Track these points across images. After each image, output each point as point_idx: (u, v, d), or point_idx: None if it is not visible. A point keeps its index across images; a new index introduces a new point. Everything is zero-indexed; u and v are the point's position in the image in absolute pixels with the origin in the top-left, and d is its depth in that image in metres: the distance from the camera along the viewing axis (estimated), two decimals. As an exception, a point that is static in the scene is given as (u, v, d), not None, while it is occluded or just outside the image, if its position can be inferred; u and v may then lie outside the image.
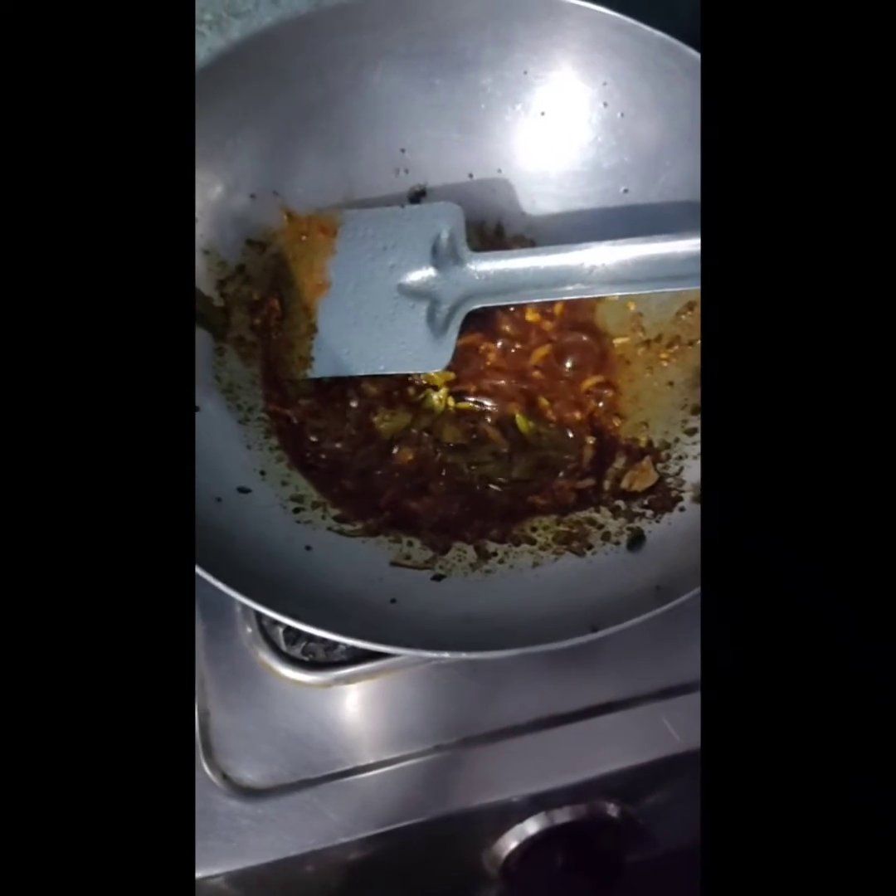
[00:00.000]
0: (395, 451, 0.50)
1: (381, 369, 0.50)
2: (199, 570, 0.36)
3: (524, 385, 0.52)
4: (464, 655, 0.36)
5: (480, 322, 0.53)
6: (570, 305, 0.54)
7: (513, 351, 0.53)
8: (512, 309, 0.54)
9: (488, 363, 0.53)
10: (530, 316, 0.54)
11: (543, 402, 0.52)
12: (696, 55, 0.50)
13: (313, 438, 0.51)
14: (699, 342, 0.52)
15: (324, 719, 0.48)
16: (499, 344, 0.53)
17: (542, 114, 0.55)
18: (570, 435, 0.50)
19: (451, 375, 0.52)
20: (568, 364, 0.53)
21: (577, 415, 0.51)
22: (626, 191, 0.54)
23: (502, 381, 0.52)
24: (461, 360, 0.53)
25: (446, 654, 0.35)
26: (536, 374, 0.53)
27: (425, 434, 0.51)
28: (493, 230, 0.57)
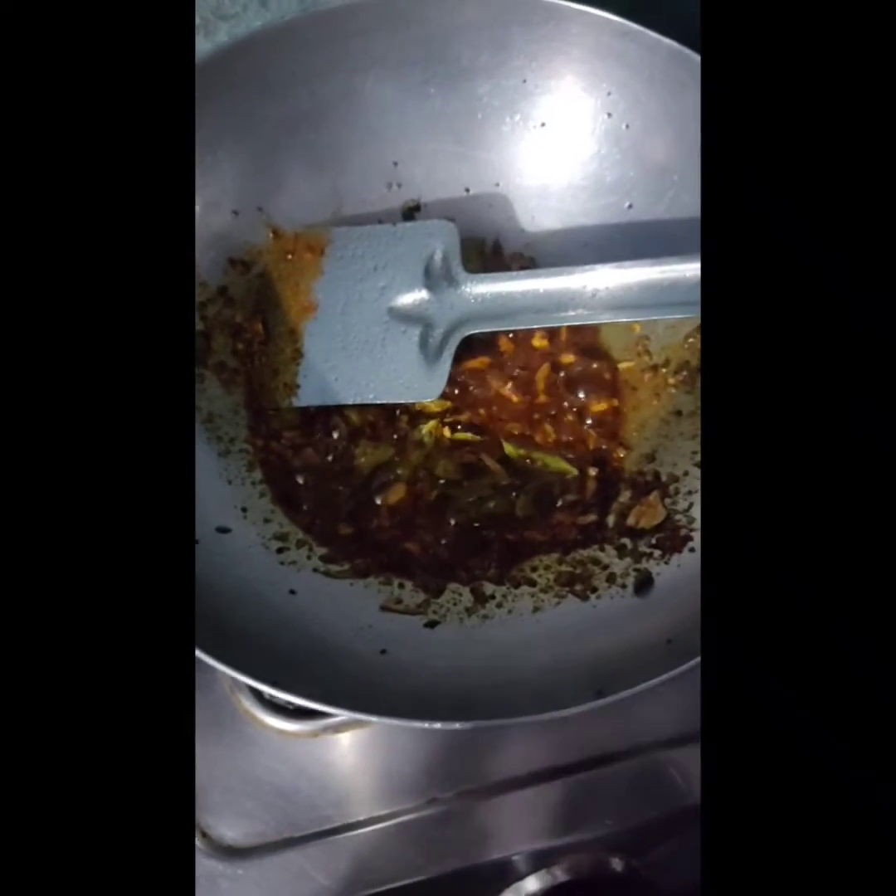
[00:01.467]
0: (383, 487, 0.47)
1: (370, 398, 0.47)
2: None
3: (530, 413, 0.49)
4: (457, 726, 0.33)
5: (484, 347, 0.51)
6: (574, 328, 0.51)
7: (518, 377, 0.50)
8: (515, 335, 0.51)
9: (492, 390, 0.50)
10: (537, 342, 0.51)
11: (547, 428, 0.49)
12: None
13: (299, 477, 0.48)
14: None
15: (311, 772, 0.46)
16: (504, 370, 0.50)
17: (543, 125, 0.52)
18: (573, 466, 0.47)
19: (448, 404, 0.49)
20: (579, 393, 0.50)
21: (583, 445, 0.48)
22: (630, 206, 0.51)
23: (505, 410, 0.49)
24: (463, 386, 0.50)
25: (438, 725, 0.32)
26: (542, 399, 0.50)
27: (418, 468, 0.48)
28: (490, 247, 0.54)
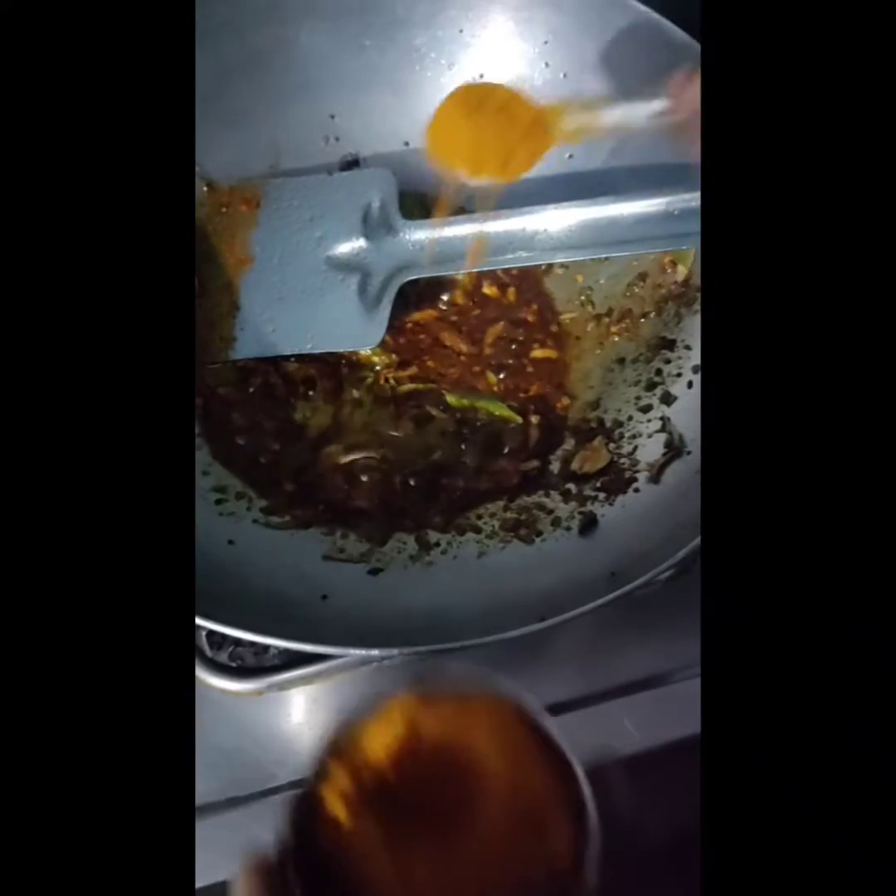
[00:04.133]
0: (327, 451, 0.46)
1: (308, 348, 0.46)
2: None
3: (475, 363, 0.49)
4: (396, 651, 0.32)
5: (432, 297, 0.50)
6: (520, 276, 0.51)
7: (465, 328, 0.50)
8: (465, 280, 0.50)
9: (439, 340, 0.49)
10: (487, 289, 0.51)
11: (491, 378, 0.48)
12: (643, 8, 0.47)
13: (238, 435, 0.46)
14: (652, 315, 0.49)
15: (255, 731, 0.44)
16: (453, 321, 0.50)
17: (481, 76, 0.51)
18: (516, 414, 0.47)
19: (393, 357, 0.49)
20: (520, 338, 0.49)
21: (526, 393, 0.48)
22: (570, 156, 0.51)
23: (449, 360, 0.48)
24: (409, 338, 0.49)
25: (376, 652, 0.32)
26: (489, 350, 0.49)
27: (360, 430, 0.47)
28: (430, 201, 0.53)
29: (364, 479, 0.46)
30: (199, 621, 0.32)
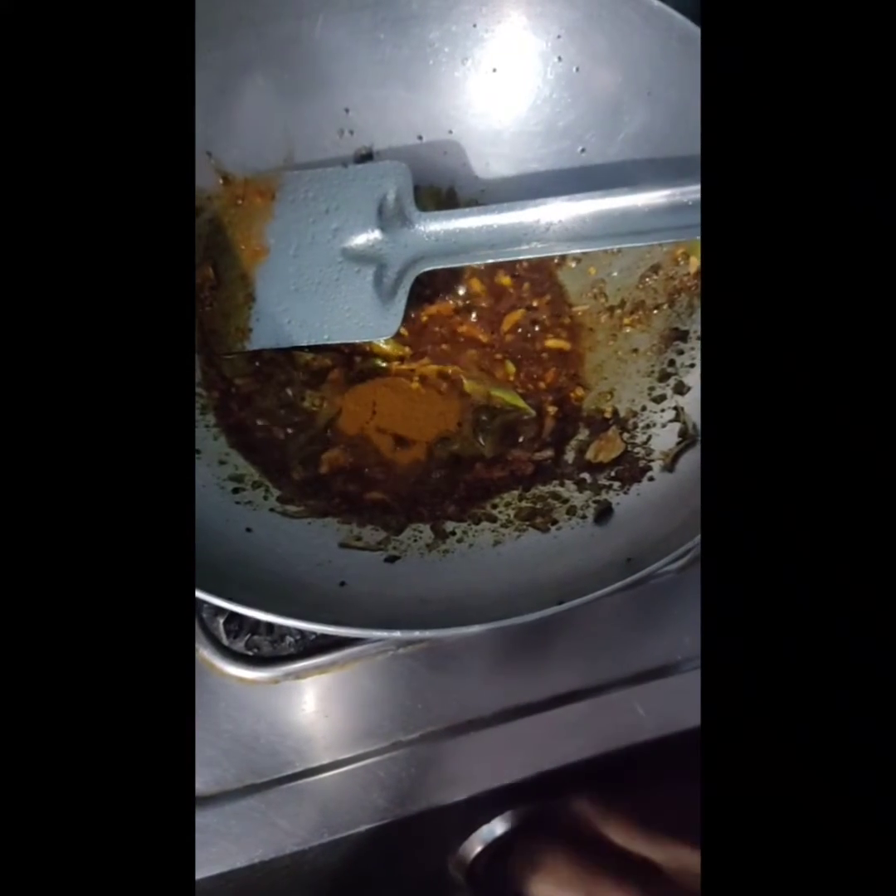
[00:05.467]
0: (338, 433, 0.47)
1: (324, 339, 0.47)
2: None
3: (493, 352, 0.49)
4: (417, 634, 0.32)
5: (447, 289, 0.51)
6: (533, 268, 0.51)
7: (481, 317, 0.50)
8: (483, 277, 0.51)
9: (455, 330, 0.50)
10: (502, 279, 0.51)
11: (509, 367, 0.49)
12: (657, 3, 0.47)
13: (254, 424, 0.47)
14: (664, 307, 0.49)
15: (272, 718, 0.45)
16: (470, 312, 0.50)
17: (494, 70, 0.52)
18: (531, 405, 0.47)
19: (406, 350, 0.49)
20: (535, 328, 0.49)
21: (541, 383, 0.48)
22: (583, 150, 0.51)
23: (469, 349, 0.49)
24: (424, 329, 0.50)
25: (397, 633, 0.32)
26: (507, 338, 0.50)
27: (374, 412, 0.47)
28: (444, 195, 0.53)
29: (378, 471, 0.46)
30: (218, 602, 0.33)
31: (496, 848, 0.48)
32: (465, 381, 0.47)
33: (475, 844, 0.48)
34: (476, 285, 0.51)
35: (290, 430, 0.47)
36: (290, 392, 0.48)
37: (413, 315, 0.49)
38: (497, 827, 0.47)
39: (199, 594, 0.32)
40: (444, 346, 0.49)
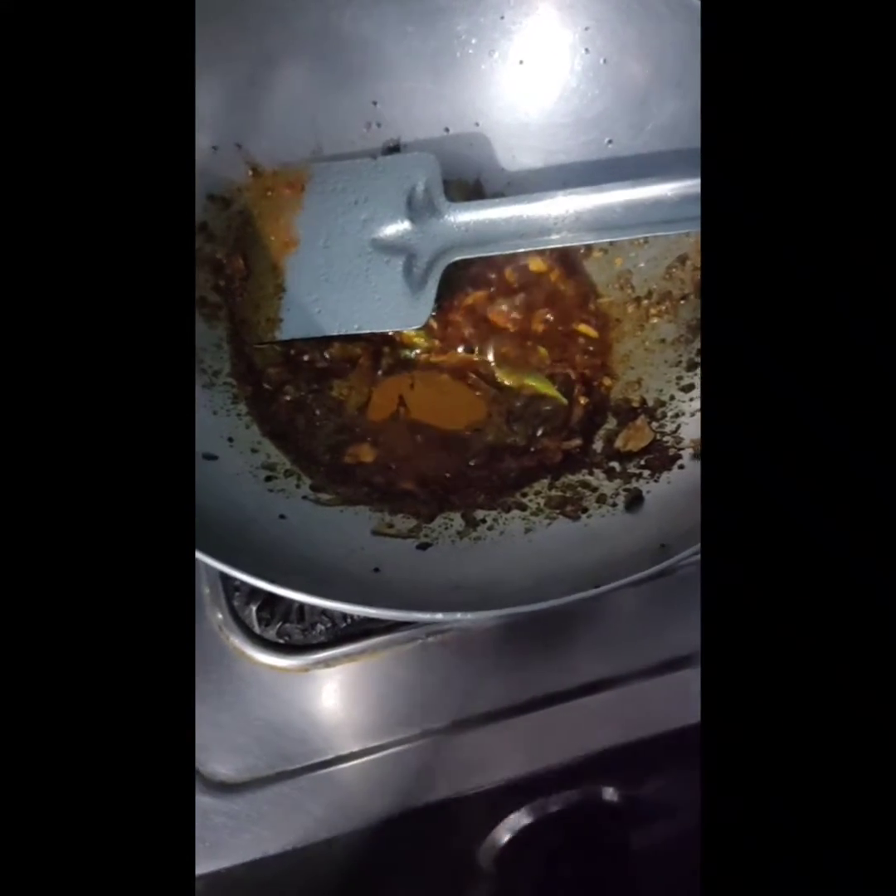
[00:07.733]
0: (368, 422, 0.47)
1: (355, 328, 0.47)
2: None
3: (525, 340, 0.49)
4: (458, 616, 0.32)
5: (478, 278, 0.51)
6: (560, 258, 0.51)
7: (515, 304, 0.50)
8: (511, 260, 0.51)
9: (486, 319, 0.50)
10: (533, 266, 0.51)
11: (542, 352, 0.49)
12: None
13: (285, 413, 0.47)
14: (692, 297, 0.49)
15: (302, 706, 0.45)
16: (500, 301, 0.50)
17: (521, 62, 0.52)
18: (561, 392, 0.47)
19: (435, 343, 0.49)
20: (565, 316, 0.50)
21: (571, 372, 0.48)
22: (610, 142, 0.52)
23: (501, 336, 0.49)
24: (455, 321, 0.50)
25: (440, 615, 0.32)
26: (539, 327, 0.50)
27: (402, 406, 0.48)
28: (471, 187, 0.54)
29: (410, 459, 0.47)
30: (261, 584, 0.33)
31: (524, 836, 0.48)
32: (497, 371, 0.48)
33: (503, 833, 0.48)
34: (508, 275, 0.51)
35: (318, 420, 0.47)
36: (318, 382, 0.48)
37: (443, 304, 0.49)
38: (524, 816, 0.47)
39: (241, 576, 0.33)
40: (473, 335, 0.49)
